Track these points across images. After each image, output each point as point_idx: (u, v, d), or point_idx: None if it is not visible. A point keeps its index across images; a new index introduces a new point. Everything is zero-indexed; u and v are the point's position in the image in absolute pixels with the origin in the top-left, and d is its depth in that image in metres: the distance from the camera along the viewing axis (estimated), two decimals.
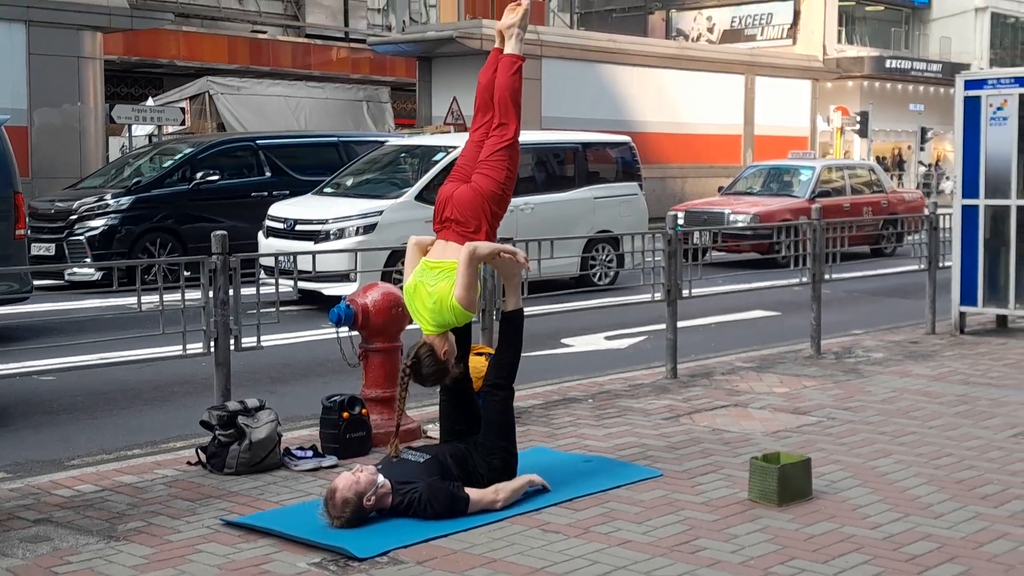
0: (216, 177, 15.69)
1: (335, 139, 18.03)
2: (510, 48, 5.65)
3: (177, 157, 16.06)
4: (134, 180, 15.68)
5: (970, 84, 10.24)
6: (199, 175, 15.52)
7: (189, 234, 15.12)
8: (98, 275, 13.60)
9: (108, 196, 15.14)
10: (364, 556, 4.52)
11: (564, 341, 10.53)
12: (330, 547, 4.62)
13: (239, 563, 4.49)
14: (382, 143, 17.64)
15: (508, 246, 5.51)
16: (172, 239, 15.09)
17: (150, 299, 6.22)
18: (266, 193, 15.79)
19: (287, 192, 15.71)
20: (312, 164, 16.85)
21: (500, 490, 5.16)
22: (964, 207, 10.22)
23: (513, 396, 5.47)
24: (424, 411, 7.08)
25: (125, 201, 15.05)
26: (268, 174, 16.23)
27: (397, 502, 4.98)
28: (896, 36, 46.30)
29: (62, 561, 4.51)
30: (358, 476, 4.91)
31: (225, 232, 6.34)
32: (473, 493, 5.06)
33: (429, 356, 5.23)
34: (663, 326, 8.50)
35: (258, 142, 16.80)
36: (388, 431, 6.31)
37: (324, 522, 4.86)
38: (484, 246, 5.28)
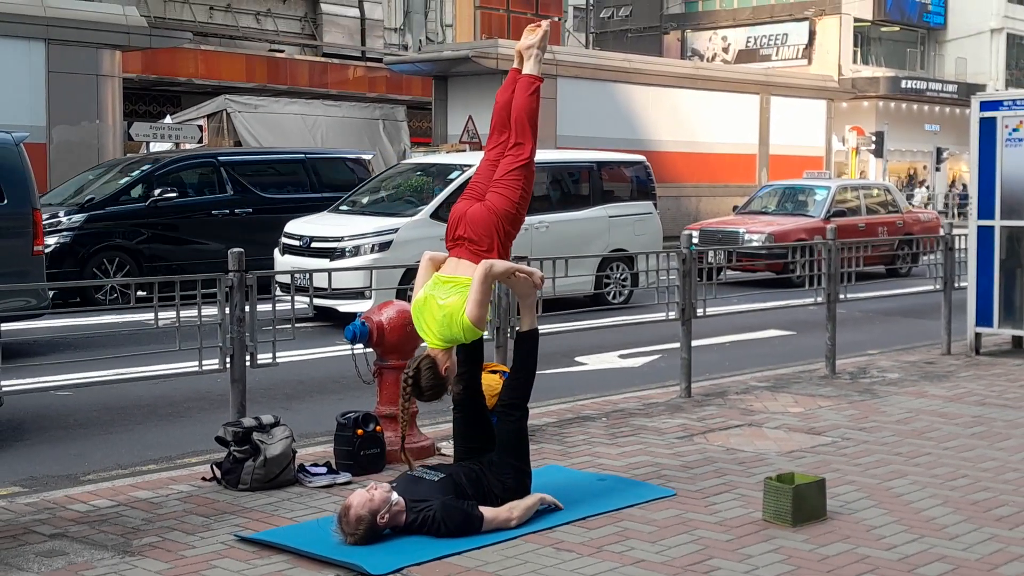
0: (174, 194, 15.08)
1: (302, 155, 17.58)
2: (528, 68, 5.69)
3: (134, 174, 15.47)
4: (88, 197, 15.02)
5: (986, 105, 10.23)
6: (157, 192, 14.94)
7: (146, 253, 14.66)
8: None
9: (61, 213, 14.50)
10: (378, 573, 4.53)
11: (578, 359, 10.53)
12: (344, 564, 4.63)
13: None
14: (353, 159, 17.50)
15: (524, 266, 5.51)
16: (128, 258, 14.49)
17: (167, 315, 6.26)
18: (228, 211, 15.44)
19: (250, 210, 15.43)
20: (277, 181, 16.43)
21: (514, 508, 5.16)
22: (980, 228, 10.21)
23: (527, 416, 5.47)
24: (438, 428, 7.09)
25: (78, 219, 14.39)
26: (230, 191, 15.67)
27: (411, 520, 4.98)
28: (911, 56, 46.29)
29: (77, 575, 4.54)
30: (372, 493, 4.92)
31: (241, 249, 6.37)
32: (487, 512, 5.06)
33: (430, 370, 5.23)
34: (677, 345, 8.50)
35: (220, 158, 16.23)
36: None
37: (338, 539, 4.87)
38: (500, 264, 5.29)
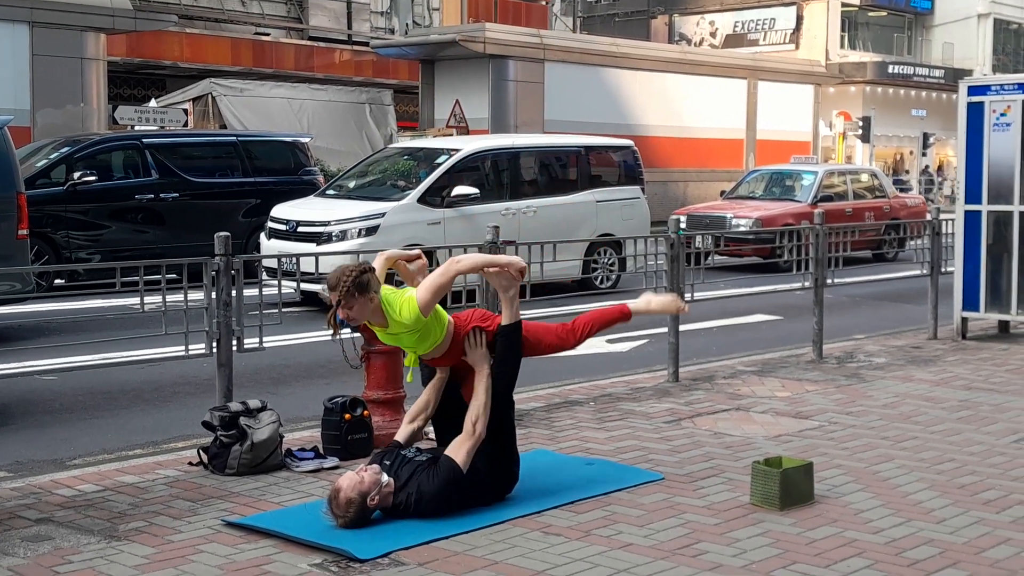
0: (94, 178, 14.31)
1: (233, 138, 16.88)
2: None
3: (52, 156, 14.59)
4: None
5: (973, 90, 10.24)
6: (76, 176, 14.15)
7: (64, 240, 13.93)
8: None
9: None
10: (365, 557, 4.52)
11: None
12: (331, 548, 4.62)
13: (240, 564, 4.49)
14: (290, 143, 17.01)
15: (498, 257, 5.43)
16: (44, 246, 13.56)
17: (153, 300, 6.23)
18: (152, 195, 14.74)
19: (176, 195, 14.82)
20: (206, 166, 15.69)
21: (476, 423, 5.13)
22: (967, 212, 10.22)
23: (512, 406, 5.47)
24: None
25: None
26: (155, 175, 14.88)
27: (399, 502, 4.98)
28: (899, 41, 46.32)
29: (63, 560, 4.51)
30: (362, 476, 4.91)
31: (228, 233, 6.34)
32: (456, 454, 5.06)
33: (364, 275, 5.05)
34: (665, 329, 8.50)
35: (144, 141, 15.43)
36: (390, 433, 6.33)
37: (328, 521, 4.86)
38: (467, 261, 5.22)
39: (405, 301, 5.09)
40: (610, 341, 10.76)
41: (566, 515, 5.11)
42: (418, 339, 5.19)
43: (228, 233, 6.35)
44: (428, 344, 5.23)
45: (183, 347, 6.30)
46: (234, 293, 6.28)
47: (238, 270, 6.29)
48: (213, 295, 6.22)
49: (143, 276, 6.23)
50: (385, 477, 4.98)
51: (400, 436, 5.39)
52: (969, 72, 40.04)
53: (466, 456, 5.07)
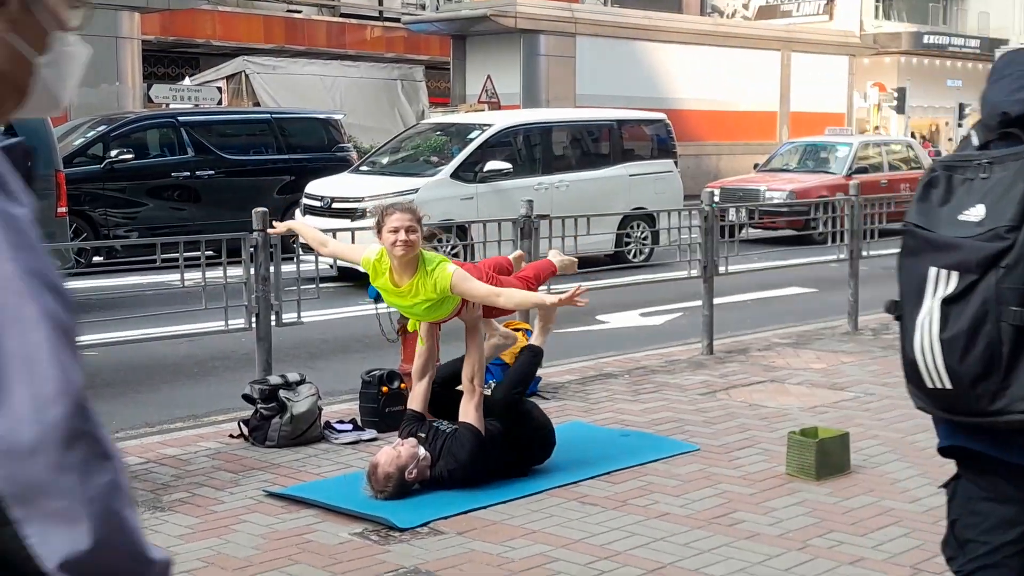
0: (130, 156, 14.36)
1: (267, 115, 17.04)
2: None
3: (89, 134, 14.68)
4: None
5: None
6: (113, 154, 14.22)
7: (101, 218, 14.02)
8: None
9: None
10: (405, 526, 4.59)
11: (599, 318, 10.54)
12: (372, 517, 4.69)
13: (283, 532, 4.57)
14: (323, 120, 17.04)
15: (547, 297, 5.71)
16: (82, 223, 13.61)
17: (192, 275, 6.31)
18: (188, 173, 14.81)
19: (211, 172, 14.87)
20: (241, 143, 15.79)
21: (473, 380, 5.21)
22: None
23: (524, 391, 5.55)
24: None
25: None
26: (191, 153, 14.96)
27: (436, 474, 5.04)
28: (934, 12, 45.72)
29: None
30: (399, 450, 4.98)
31: (265, 209, 6.40)
32: (468, 416, 5.13)
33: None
34: (699, 303, 8.50)
35: (180, 119, 15.57)
36: None
37: (368, 496, 4.92)
38: (517, 296, 5.36)
39: (442, 269, 5.09)
40: (644, 315, 10.78)
41: (602, 485, 5.15)
42: (429, 309, 5.25)
43: (266, 209, 6.41)
44: (437, 315, 5.33)
45: (223, 322, 6.38)
46: (272, 268, 6.35)
47: (275, 245, 6.36)
48: (251, 270, 6.30)
49: (183, 252, 6.31)
50: (422, 451, 5.03)
51: (418, 405, 5.35)
52: (1005, 42, 39.44)
53: (476, 413, 5.12)
